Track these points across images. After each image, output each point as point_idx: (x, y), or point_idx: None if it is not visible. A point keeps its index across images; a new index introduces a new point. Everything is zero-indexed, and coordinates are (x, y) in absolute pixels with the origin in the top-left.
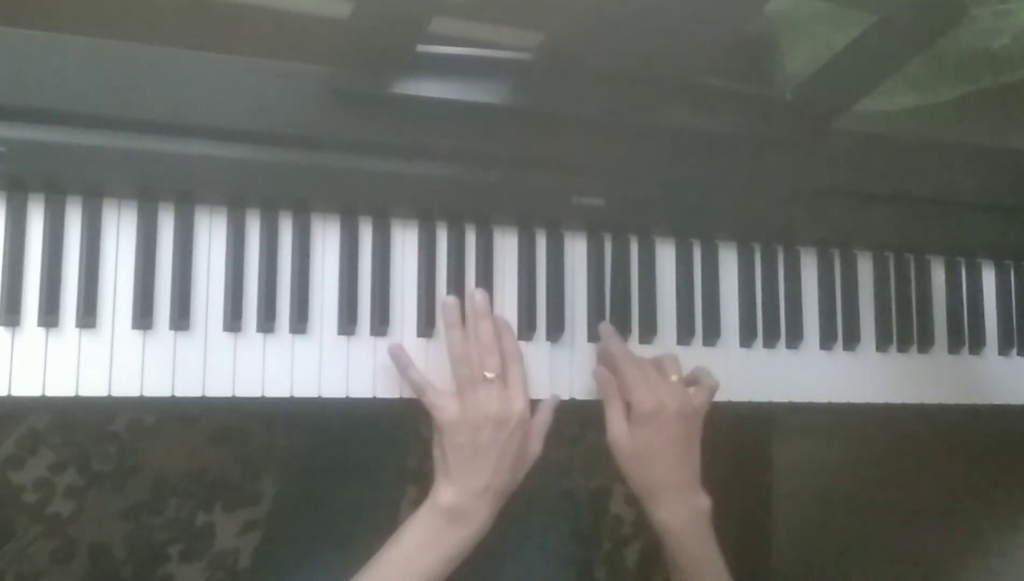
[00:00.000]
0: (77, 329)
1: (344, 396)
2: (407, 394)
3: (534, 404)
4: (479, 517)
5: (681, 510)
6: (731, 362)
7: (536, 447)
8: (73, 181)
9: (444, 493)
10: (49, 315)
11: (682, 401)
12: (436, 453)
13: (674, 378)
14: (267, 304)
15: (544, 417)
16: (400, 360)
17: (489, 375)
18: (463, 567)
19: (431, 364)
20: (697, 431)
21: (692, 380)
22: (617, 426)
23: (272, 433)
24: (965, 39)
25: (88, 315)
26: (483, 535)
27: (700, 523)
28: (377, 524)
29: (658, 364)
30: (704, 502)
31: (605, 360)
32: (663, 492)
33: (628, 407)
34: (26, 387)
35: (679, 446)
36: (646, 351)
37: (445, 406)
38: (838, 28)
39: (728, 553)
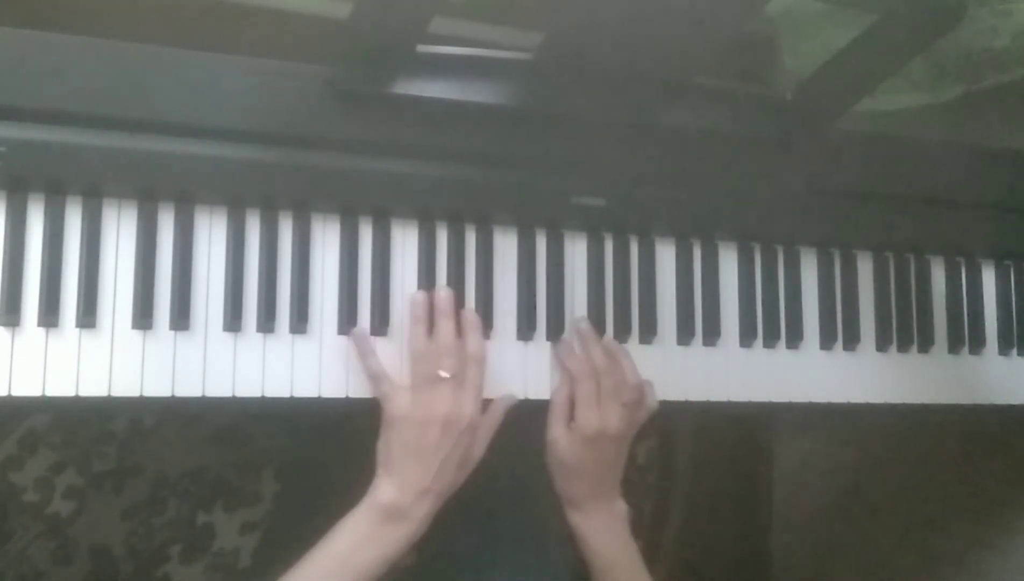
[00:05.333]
0: (77, 329)
1: (344, 396)
2: None
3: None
4: (417, 517)
5: (598, 516)
6: (731, 362)
7: (480, 449)
8: (73, 181)
9: (384, 490)
10: (49, 315)
11: (622, 425)
12: (380, 448)
13: (624, 399)
14: (267, 304)
15: (491, 419)
16: (361, 345)
17: (444, 375)
18: (461, 568)
19: None
20: (627, 448)
21: (639, 388)
22: (557, 432)
23: (272, 433)
24: (965, 39)
25: (88, 315)
26: (420, 534)
27: (616, 528)
28: None
29: (615, 377)
30: (621, 508)
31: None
32: (583, 500)
33: (573, 413)
34: (26, 387)
35: (607, 464)
36: (646, 351)
37: (397, 399)
38: (838, 28)
39: (728, 553)
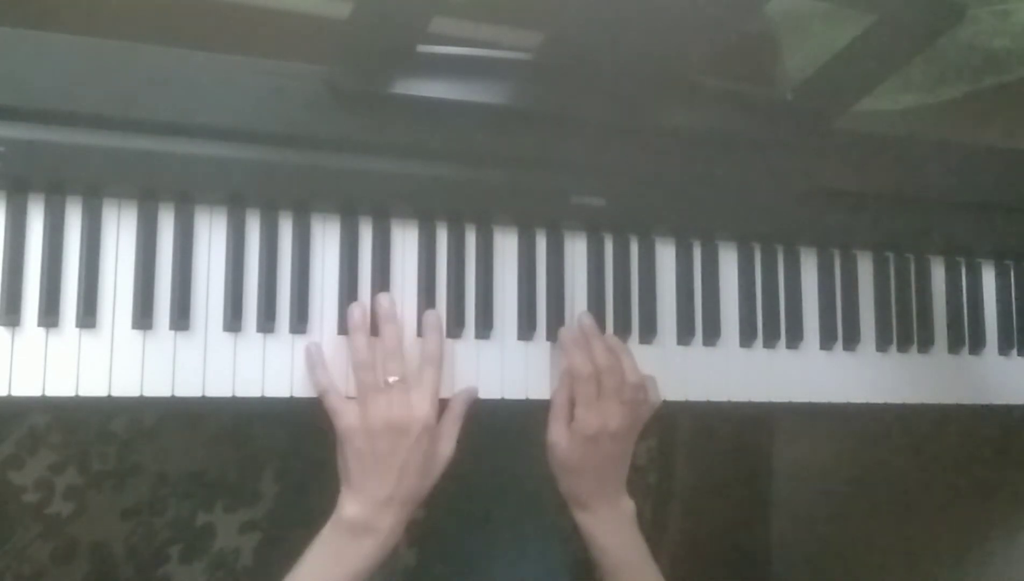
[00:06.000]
0: (77, 329)
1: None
2: None
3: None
4: (384, 528)
5: (604, 515)
6: (731, 362)
7: (447, 448)
8: (73, 181)
9: (347, 506)
10: (49, 315)
11: (624, 423)
12: (339, 463)
13: (625, 397)
14: (267, 304)
15: (453, 415)
16: (311, 358)
17: (391, 380)
18: (461, 568)
19: None
20: (631, 446)
21: (640, 387)
22: (557, 433)
23: (272, 433)
24: (965, 39)
25: (88, 315)
26: (392, 546)
27: (623, 525)
28: None
29: (616, 375)
30: (628, 505)
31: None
32: (588, 499)
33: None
34: (26, 387)
35: (611, 462)
36: (646, 351)
37: (345, 411)
38: (838, 28)
39: (728, 553)
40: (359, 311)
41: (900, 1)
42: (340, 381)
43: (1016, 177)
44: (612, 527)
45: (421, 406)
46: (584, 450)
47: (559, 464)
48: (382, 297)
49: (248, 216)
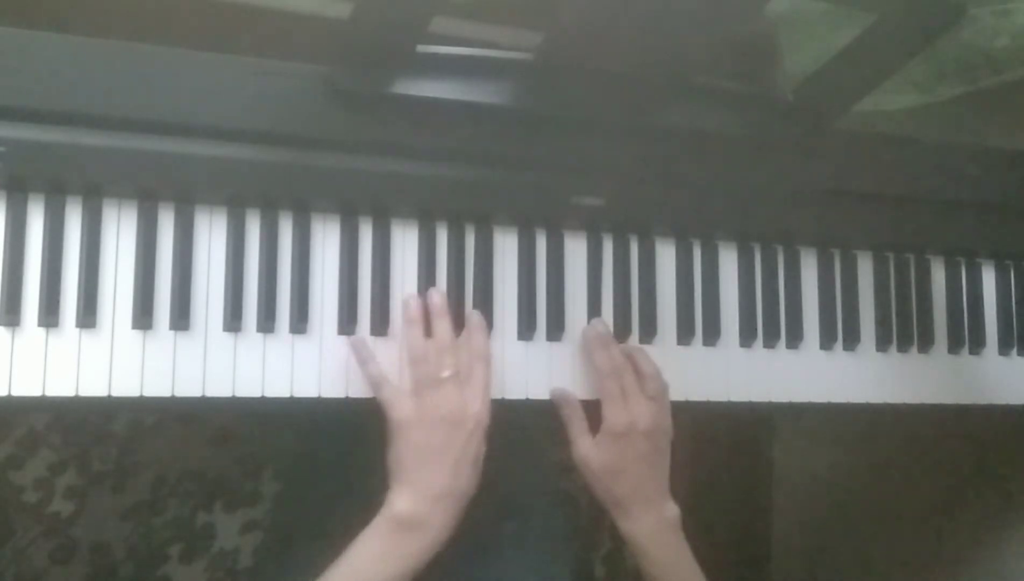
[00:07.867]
0: (77, 329)
1: (344, 396)
2: None
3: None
4: (436, 524)
5: (648, 521)
6: (731, 362)
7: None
8: (73, 181)
9: (399, 500)
10: (49, 315)
11: (654, 419)
12: (390, 457)
13: (650, 391)
14: (267, 304)
15: None
16: (360, 353)
17: (445, 374)
18: (463, 568)
19: None
20: (667, 445)
21: (657, 377)
22: (583, 445)
23: (272, 433)
24: (965, 39)
25: (88, 315)
26: (442, 543)
27: (668, 532)
28: None
29: (638, 372)
30: (672, 511)
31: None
32: (630, 504)
33: (591, 420)
34: (26, 387)
35: (647, 462)
36: (647, 351)
37: (400, 404)
38: (838, 28)
39: (728, 554)
40: (415, 305)
41: (900, 1)
42: (341, 379)
43: (1016, 177)
44: (656, 534)
45: (475, 401)
46: (617, 450)
47: (594, 473)
48: (434, 293)
49: (248, 216)
